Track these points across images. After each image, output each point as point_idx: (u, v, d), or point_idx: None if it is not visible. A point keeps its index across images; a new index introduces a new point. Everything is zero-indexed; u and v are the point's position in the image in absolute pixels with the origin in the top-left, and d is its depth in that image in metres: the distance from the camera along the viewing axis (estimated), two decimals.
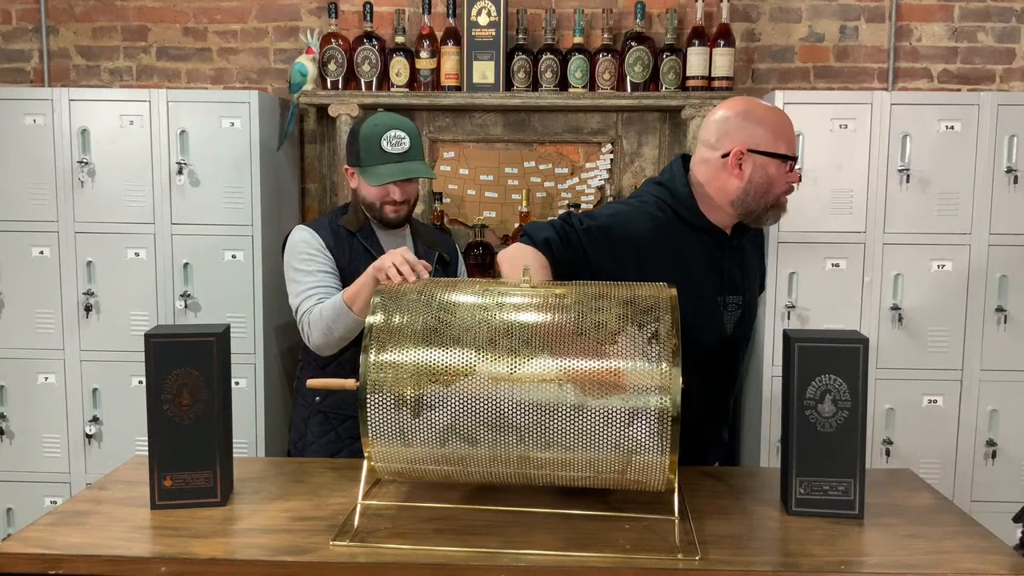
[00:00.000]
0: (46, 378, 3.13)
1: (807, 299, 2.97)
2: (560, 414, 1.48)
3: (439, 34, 3.27)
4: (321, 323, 2.11)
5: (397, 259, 1.81)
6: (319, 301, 2.15)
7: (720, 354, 2.00)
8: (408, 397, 1.51)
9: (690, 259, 1.91)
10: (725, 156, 1.88)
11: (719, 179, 1.90)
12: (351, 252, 2.26)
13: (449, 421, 1.51)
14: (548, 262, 1.83)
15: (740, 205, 1.90)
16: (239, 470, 1.84)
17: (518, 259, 1.81)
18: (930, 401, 2.99)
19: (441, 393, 1.51)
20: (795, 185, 1.90)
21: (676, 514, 1.52)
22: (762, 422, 2.99)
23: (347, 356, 2.22)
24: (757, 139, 1.86)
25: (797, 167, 1.91)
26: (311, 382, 1.70)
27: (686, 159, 1.99)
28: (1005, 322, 2.95)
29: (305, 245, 2.25)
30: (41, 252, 3.09)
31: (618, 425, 1.47)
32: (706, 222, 1.93)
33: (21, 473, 3.15)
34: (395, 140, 2.18)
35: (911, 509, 1.71)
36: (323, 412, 2.30)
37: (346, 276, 2.20)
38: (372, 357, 1.53)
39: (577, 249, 1.86)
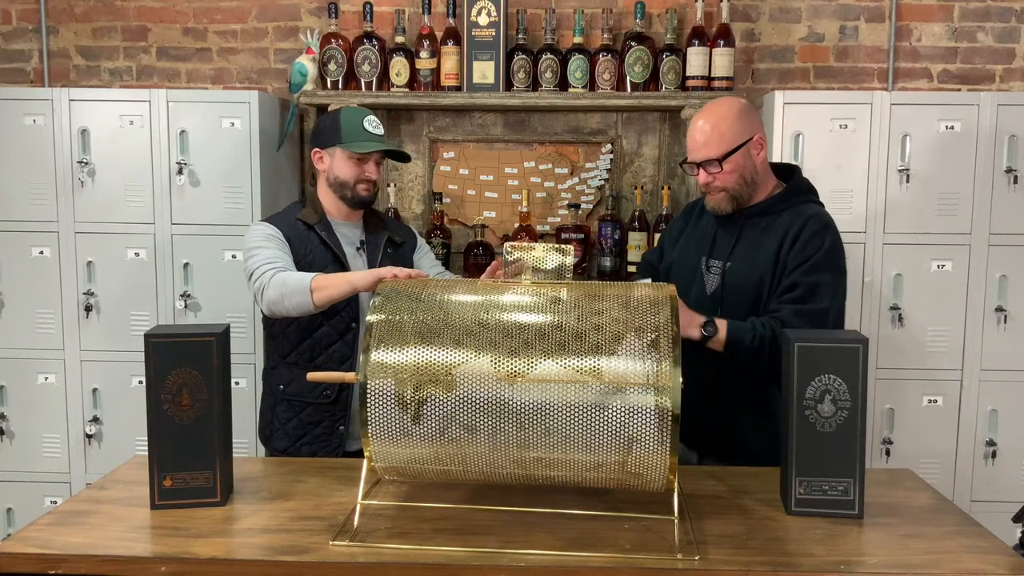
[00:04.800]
0: (46, 378, 3.13)
1: None
2: (560, 414, 1.48)
3: (439, 34, 3.27)
4: (281, 288, 2.13)
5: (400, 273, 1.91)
6: (281, 270, 2.19)
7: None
8: (408, 397, 1.51)
9: (696, 228, 2.29)
10: None
11: None
12: (308, 245, 2.32)
13: (449, 421, 1.51)
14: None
15: None
16: (239, 470, 1.85)
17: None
18: (930, 401, 2.99)
19: (441, 393, 1.51)
20: (697, 179, 2.18)
21: (676, 514, 1.52)
22: None
23: (320, 359, 2.31)
24: None
25: (706, 169, 2.13)
26: (311, 375, 1.73)
27: None
28: (1005, 322, 2.95)
29: (265, 229, 2.32)
30: (41, 252, 3.09)
31: (618, 425, 1.47)
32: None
33: (21, 473, 3.16)
34: (375, 124, 2.37)
35: (911, 509, 1.71)
36: (287, 400, 2.36)
37: (303, 269, 2.25)
38: (372, 357, 1.54)
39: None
